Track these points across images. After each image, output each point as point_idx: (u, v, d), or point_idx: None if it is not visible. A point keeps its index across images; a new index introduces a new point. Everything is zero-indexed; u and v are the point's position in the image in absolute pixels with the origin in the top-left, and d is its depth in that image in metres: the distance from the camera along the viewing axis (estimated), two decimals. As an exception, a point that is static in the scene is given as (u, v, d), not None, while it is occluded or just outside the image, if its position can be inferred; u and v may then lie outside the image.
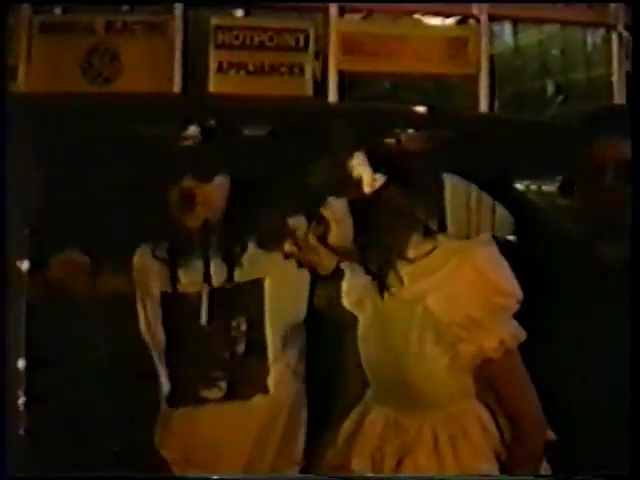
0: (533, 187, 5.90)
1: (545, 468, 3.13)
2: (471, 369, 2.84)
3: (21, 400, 3.19)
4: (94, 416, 3.31)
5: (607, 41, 6.46)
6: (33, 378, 3.22)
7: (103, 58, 5.61)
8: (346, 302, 2.98)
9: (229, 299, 2.97)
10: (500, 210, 4.04)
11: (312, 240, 2.93)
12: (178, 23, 5.72)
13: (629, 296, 3.31)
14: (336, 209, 2.91)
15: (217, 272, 2.97)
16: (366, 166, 2.93)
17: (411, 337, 2.81)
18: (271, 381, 3.00)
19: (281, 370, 3.02)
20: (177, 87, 5.56)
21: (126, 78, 5.61)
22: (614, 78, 6.28)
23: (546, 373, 3.25)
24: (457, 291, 2.80)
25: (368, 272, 2.95)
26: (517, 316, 3.13)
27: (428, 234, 3.01)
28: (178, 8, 5.72)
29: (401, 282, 2.83)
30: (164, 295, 3.01)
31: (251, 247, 3.05)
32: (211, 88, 5.70)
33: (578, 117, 5.81)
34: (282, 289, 2.99)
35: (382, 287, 2.89)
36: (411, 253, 2.84)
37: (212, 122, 3.14)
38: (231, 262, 3.00)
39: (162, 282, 3.00)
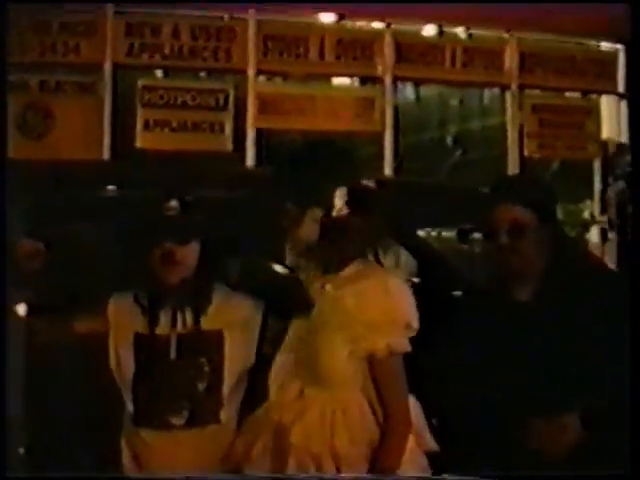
0: (433, 234, 6.38)
1: (424, 468, 3.47)
2: (362, 364, 3.34)
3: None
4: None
5: (502, 96, 7.00)
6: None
7: (37, 115, 5.95)
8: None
9: (195, 343, 3.45)
10: (404, 254, 4.53)
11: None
12: (107, 83, 6.12)
13: (539, 330, 3.43)
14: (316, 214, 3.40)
15: (186, 319, 3.45)
16: (341, 199, 3.42)
17: (328, 327, 3.32)
18: (223, 414, 3.47)
19: (231, 405, 3.51)
20: (106, 153, 5.94)
21: (58, 134, 5.99)
22: (510, 158, 6.82)
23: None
24: (368, 301, 3.31)
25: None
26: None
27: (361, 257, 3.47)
28: (107, 69, 6.12)
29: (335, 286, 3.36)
30: (137, 335, 3.46)
31: (216, 300, 3.52)
32: (138, 144, 6.12)
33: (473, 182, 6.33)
34: (238, 340, 3.48)
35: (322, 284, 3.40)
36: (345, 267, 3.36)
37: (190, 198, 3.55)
38: (198, 312, 3.48)
39: (137, 324, 3.45)
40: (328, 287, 3.33)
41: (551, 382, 3.46)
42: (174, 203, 3.42)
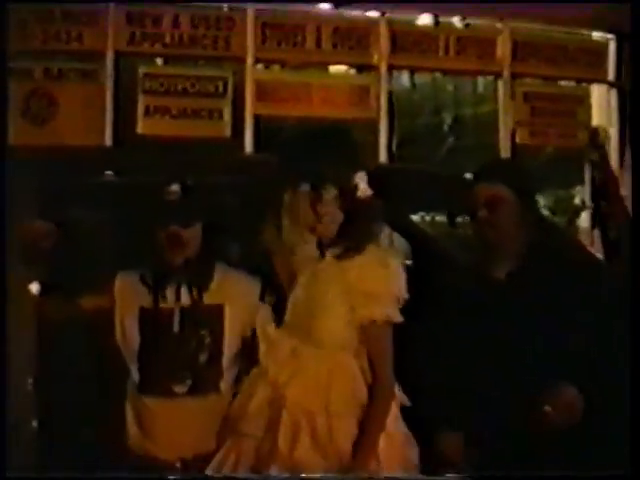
0: (427, 218, 6.52)
1: (400, 426, 3.65)
2: (356, 331, 3.54)
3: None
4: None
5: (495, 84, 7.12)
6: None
7: (41, 102, 6.07)
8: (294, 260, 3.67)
9: (198, 316, 3.65)
10: (398, 238, 4.71)
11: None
12: (109, 71, 6.25)
13: (516, 307, 3.69)
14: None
15: (188, 295, 3.64)
16: (363, 180, 3.62)
17: (329, 294, 3.54)
18: (222, 383, 3.67)
19: (230, 375, 3.70)
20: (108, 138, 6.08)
21: (61, 120, 6.11)
22: (502, 145, 6.96)
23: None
24: (369, 273, 3.54)
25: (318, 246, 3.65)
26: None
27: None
28: (109, 57, 6.24)
29: (337, 256, 3.56)
30: (142, 309, 3.65)
31: (217, 277, 3.71)
32: (139, 130, 6.24)
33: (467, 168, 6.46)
34: (237, 313, 3.68)
35: (323, 256, 3.60)
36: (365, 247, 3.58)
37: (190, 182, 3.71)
38: (200, 288, 3.67)
39: (143, 299, 3.64)
40: (329, 258, 3.54)
41: (527, 363, 3.63)
42: (175, 187, 3.59)
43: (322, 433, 3.49)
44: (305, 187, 3.62)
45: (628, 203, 6.40)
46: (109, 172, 4.92)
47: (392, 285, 3.61)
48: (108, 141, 6.12)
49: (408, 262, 4.47)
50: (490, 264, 3.82)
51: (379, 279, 3.58)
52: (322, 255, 3.65)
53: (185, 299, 3.66)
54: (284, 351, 3.55)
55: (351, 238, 3.62)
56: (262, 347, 3.57)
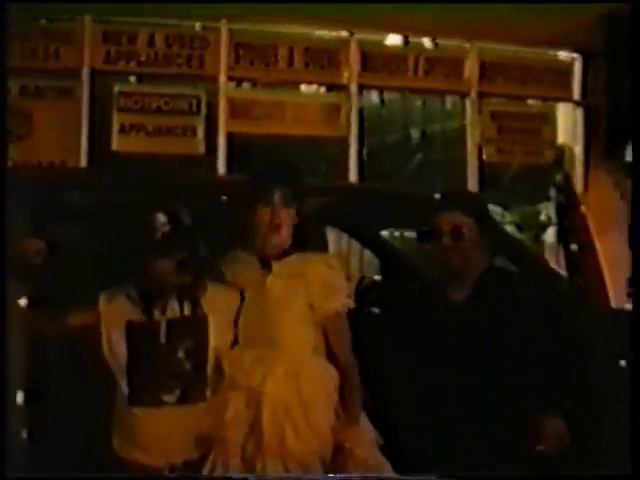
0: (396, 234, 6.64)
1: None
2: (314, 327, 3.72)
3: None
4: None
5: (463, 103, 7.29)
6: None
7: (17, 119, 6.18)
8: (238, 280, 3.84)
9: (184, 327, 3.79)
10: (367, 254, 4.82)
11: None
12: (85, 87, 6.37)
13: (472, 331, 3.69)
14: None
15: (175, 308, 3.78)
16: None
17: (284, 299, 3.73)
18: (208, 392, 3.81)
19: (214, 383, 3.85)
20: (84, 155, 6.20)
21: (37, 137, 6.24)
22: (469, 162, 7.12)
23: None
24: (322, 268, 3.73)
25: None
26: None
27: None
28: (85, 75, 6.36)
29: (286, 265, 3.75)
30: (129, 323, 3.78)
31: (203, 291, 3.86)
32: (114, 147, 6.38)
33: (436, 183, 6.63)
34: (220, 323, 3.82)
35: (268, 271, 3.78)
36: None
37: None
38: (183, 302, 3.82)
39: (129, 314, 3.77)
40: (277, 268, 3.71)
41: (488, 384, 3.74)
42: (163, 219, 3.74)
43: (301, 424, 3.65)
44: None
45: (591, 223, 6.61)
46: (84, 190, 5.00)
47: (344, 278, 3.79)
48: (83, 158, 6.23)
49: (377, 277, 4.63)
50: (451, 288, 3.94)
51: (332, 275, 3.76)
52: (267, 268, 3.80)
53: (174, 313, 3.80)
54: (247, 361, 3.70)
55: (300, 246, 3.79)
56: (225, 364, 3.72)
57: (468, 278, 3.87)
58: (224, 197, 4.10)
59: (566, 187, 7.24)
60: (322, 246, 4.21)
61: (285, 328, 3.70)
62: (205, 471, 3.69)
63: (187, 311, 3.79)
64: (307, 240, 3.77)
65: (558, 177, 7.30)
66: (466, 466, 3.58)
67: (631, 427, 3.51)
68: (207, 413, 3.74)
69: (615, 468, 3.62)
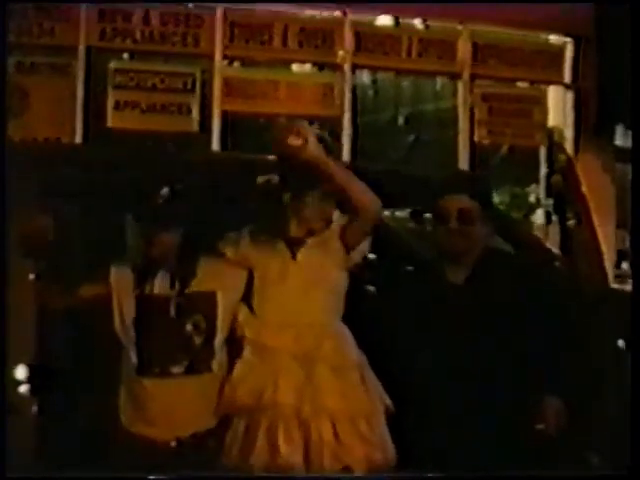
0: (387, 213, 6.71)
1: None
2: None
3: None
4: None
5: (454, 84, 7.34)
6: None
7: (13, 96, 6.19)
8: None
9: (193, 302, 3.89)
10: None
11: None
12: (81, 65, 6.41)
13: (471, 313, 3.81)
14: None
15: (178, 281, 3.87)
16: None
17: (321, 270, 3.86)
18: (215, 364, 3.90)
19: (221, 356, 3.94)
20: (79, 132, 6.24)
21: (33, 113, 6.27)
22: (460, 143, 7.19)
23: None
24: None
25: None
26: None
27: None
28: (81, 52, 6.40)
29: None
30: (138, 297, 3.87)
31: (206, 266, 3.95)
32: (109, 124, 6.43)
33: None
34: (228, 300, 3.91)
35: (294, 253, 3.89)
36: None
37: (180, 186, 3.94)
38: (186, 275, 3.90)
39: (137, 287, 3.87)
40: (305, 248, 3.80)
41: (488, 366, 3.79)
42: (165, 191, 3.84)
43: (349, 385, 3.78)
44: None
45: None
46: (80, 166, 5.05)
47: None
48: (78, 134, 6.26)
49: (371, 256, 4.70)
50: (450, 269, 3.98)
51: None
52: (297, 246, 3.91)
53: (180, 287, 3.89)
54: (293, 333, 3.83)
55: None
56: (248, 332, 3.86)
57: (468, 260, 3.94)
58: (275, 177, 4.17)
59: (567, 168, 7.29)
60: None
61: (320, 299, 3.83)
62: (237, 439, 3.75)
63: (189, 287, 3.89)
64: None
65: (561, 157, 7.36)
66: (465, 448, 3.69)
67: (631, 426, 3.58)
68: (218, 381, 3.85)
69: (614, 447, 3.78)
